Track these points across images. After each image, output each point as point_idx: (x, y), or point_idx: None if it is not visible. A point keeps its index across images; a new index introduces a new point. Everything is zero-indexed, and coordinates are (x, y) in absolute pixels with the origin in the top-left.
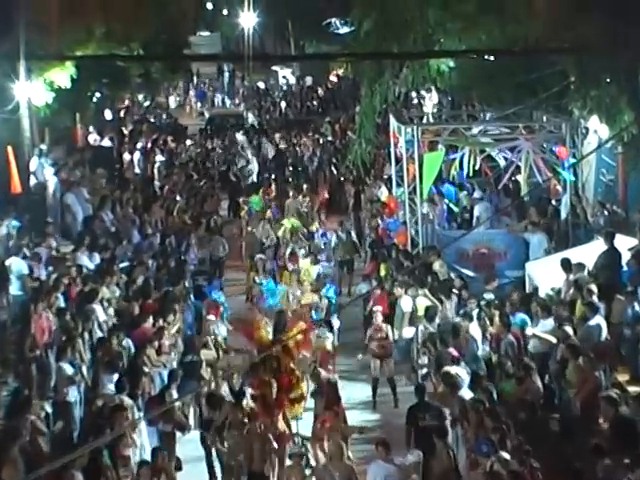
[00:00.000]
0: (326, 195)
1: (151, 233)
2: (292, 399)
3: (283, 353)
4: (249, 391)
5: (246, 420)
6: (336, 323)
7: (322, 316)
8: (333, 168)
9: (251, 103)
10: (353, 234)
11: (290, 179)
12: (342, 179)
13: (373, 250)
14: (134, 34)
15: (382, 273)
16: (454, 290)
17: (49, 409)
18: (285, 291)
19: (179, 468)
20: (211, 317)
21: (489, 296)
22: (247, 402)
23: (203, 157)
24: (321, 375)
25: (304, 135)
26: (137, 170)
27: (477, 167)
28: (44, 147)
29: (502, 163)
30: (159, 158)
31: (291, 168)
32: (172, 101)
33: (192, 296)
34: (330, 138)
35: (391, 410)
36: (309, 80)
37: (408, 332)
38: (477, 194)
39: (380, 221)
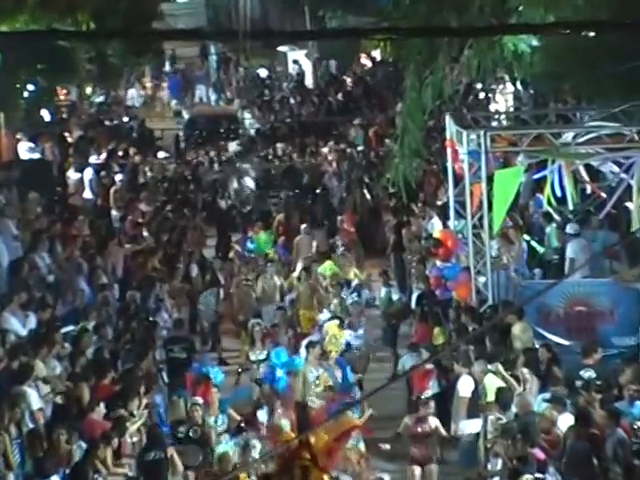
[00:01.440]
0: (351, 229)
1: (107, 284)
2: None
3: (311, 461)
4: None
5: None
6: (366, 414)
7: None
8: (365, 191)
9: (249, 99)
10: (395, 291)
11: (303, 206)
12: (378, 206)
13: (423, 308)
14: (81, 1)
15: (437, 340)
16: (539, 365)
17: None
18: (303, 367)
19: None
20: (197, 399)
21: (589, 373)
22: None
23: (180, 176)
24: None
25: (324, 144)
26: (87, 194)
27: (588, 190)
28: None
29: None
30: (119, 177)
31: (308, 191)
32: (136, 96)
33: (165, 374)
34: (361, 148)
35: None
36: (331, 66)
37: (468, 426)
38: (571, 228)
39: (432, 266)
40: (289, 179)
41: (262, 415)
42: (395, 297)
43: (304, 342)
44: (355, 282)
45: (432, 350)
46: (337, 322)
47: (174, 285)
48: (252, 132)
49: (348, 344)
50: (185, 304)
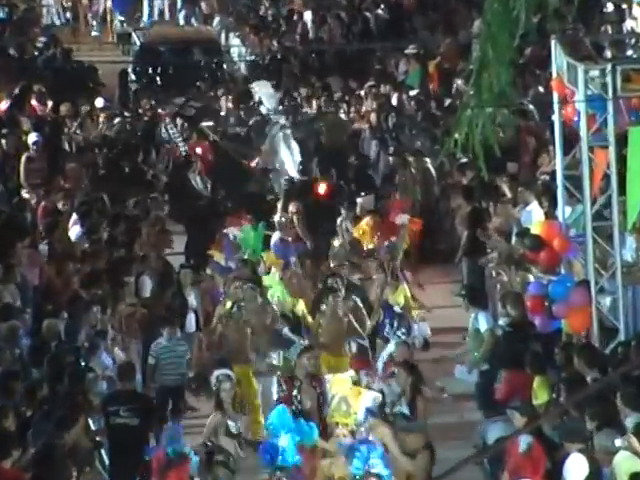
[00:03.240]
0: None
1: (13, 307)
2: None
3: None
4: None
5: None
6: None
7: None
8: (424, 160)
9: (238, 15)
10: (484, 318)
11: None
12: (443, 184)
13: (514, 346)
14: None
15: (538, 398)
16: None
17: None
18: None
19: None
20: None
21: None
22: None
23: (129, 138)
24: None
25: (358, 86)
26: None
27: None
28: None
29: None
30: (32, 139)
31: (330, 162)
32: (57, 10)
33: (107, 452)
34: (416, 92)
35: None
36: None
37: None
38: None
39: (529, 279)
40: (299, 142)
41: None
42: (483, 326)
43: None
44: (397, 308)
45: (530, 413)
46: (352, 375)
47: (120, 310)
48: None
49: (368, 417)
50: (137, 340)
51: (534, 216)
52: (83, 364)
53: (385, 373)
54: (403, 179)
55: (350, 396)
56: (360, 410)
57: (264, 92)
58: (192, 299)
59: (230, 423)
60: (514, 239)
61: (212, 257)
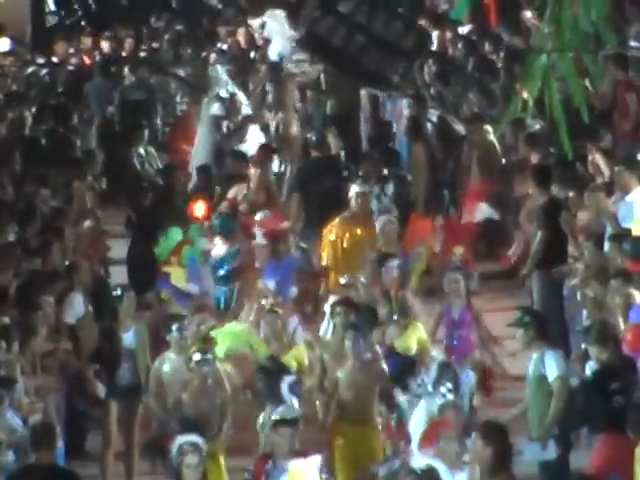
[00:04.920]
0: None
1: None
2: None
3: None
4: None
5: None
6: None
7: None
8: (479, 129)
9: None
10: (552, 360)
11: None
12: (505, 163)
13: (611, 403)
14: None
15: None
16: None
17: None
18: None
19: None
20: None
21: None
22: None
23: (45, 94)
24: None
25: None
26: None
27: None
28: None
29: None
30: None
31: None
32: None
33: None
34: (465, 29)
35: None
36: None
37: None
38: None
39: (630, 303)
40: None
41: None
42: (552, 373)
43: None
44: (437, 358)
45: None
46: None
47: (33, 346)
48: None
49: None
50: (58, 390)
51: (637, 210)
52: None
53: (428, 444)
54: (415, 157)
55: None
56: None
57: (276, 29)
58: (130, 338)
59: None
60: (608, 243)
61: (167, 274)
